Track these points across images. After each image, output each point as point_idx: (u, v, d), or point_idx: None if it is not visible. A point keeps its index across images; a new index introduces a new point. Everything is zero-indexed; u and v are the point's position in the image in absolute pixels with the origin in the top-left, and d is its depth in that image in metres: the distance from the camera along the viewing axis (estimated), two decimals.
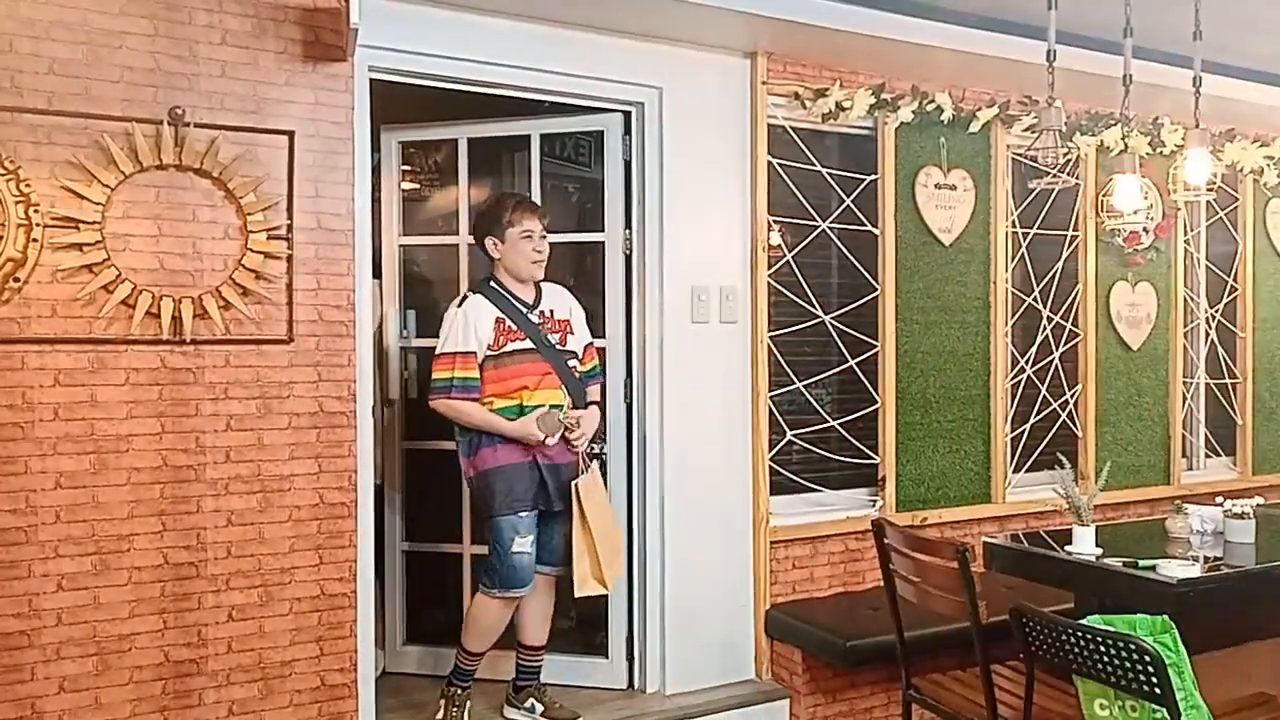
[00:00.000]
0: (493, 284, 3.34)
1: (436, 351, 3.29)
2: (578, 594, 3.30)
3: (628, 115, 3.69)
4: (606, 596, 3.72)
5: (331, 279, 3.09)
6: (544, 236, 3.36)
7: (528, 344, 3.27)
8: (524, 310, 3.31)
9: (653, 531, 3.69)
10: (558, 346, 3.34)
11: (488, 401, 3.26)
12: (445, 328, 3.28)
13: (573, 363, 3.38)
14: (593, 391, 3.47)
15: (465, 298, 3.32)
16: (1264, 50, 4.30)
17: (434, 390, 3.26)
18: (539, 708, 3.42)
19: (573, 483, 3.28)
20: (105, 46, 2.80)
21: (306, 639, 3.06)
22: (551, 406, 3.27)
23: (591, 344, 3.50)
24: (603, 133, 3.74)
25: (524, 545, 3.24)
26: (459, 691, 3.37)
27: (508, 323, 3.27)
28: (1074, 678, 2.38)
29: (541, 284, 3.41)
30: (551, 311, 3.37)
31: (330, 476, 3.09)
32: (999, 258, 4.29)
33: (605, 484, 3.60)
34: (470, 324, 3.24)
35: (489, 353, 3.25)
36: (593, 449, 3.53)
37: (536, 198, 3.82)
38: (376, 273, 3.75)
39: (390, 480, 3.93)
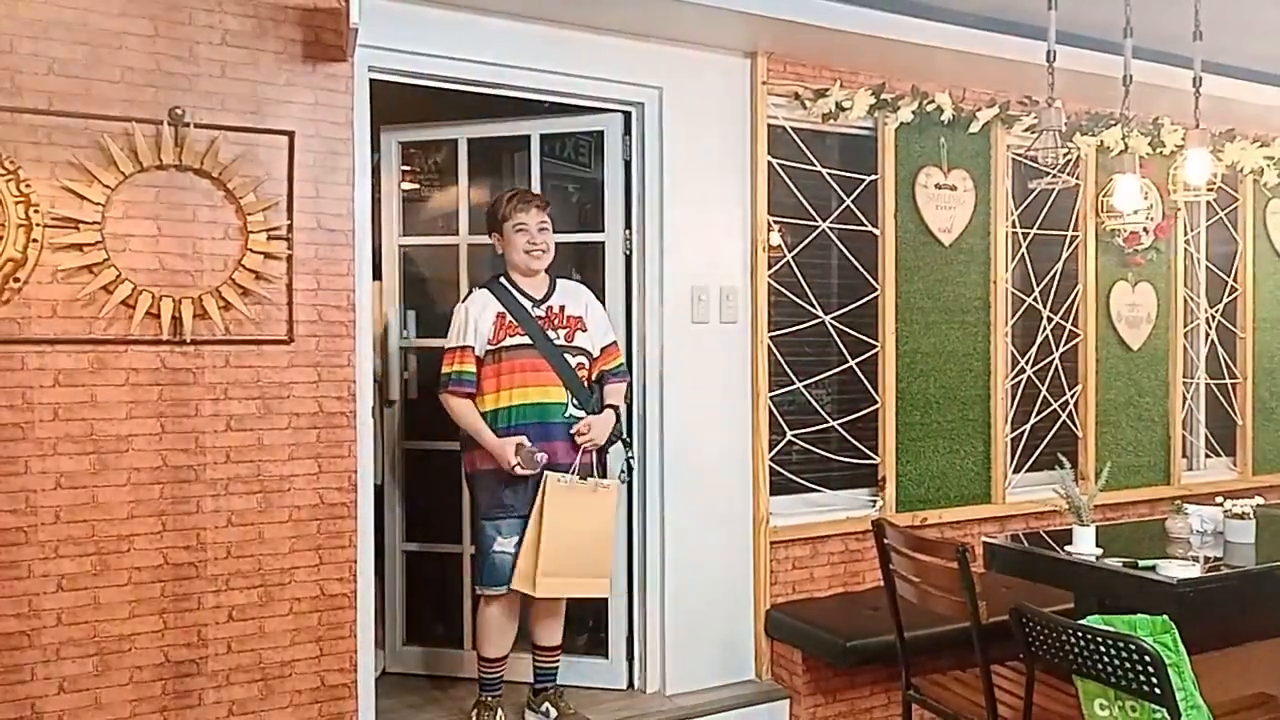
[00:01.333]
0: (501, 280, 3.35)
1: (445, 346, 3.32)
2: (510, 586, 3.22)
3: (628, 115, 3.69)
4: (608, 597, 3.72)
5: (331, 279, 3.09)
6: (543, 228, 3.33)
7: (525, 339, 3.25)
8: (527, 306, 3.30)
9: (653, 532, 3.69)
10: (561, 343, 3.30)
11: (484, 400, 3.25)
12: (451, 323, 3.33)
13: (579, 359, 3.33)
14: (611, 393, 3.41)
15: (470, 293, 3.36)
16: (1264, 51, 4.31)
17: (439, 385, 3.30)
18: (553, 712, 3.39)
19: (546, 474, 3.20)
20: (105, 46, 2.80)
21: (306, 639, 3.06)
22: (552, 405, 3.24)
23: (614, 343, 3.46)
24: (603, 133, 3.74)
25: (505, 545, 3.23)
26: (489, 699, 3.36)
27: (508, 317, 3.27)
28: (1074, 678, 2.38)
29: (558, 279, 3.41)
30: (561, 308, 3.34)
31: (330, 477, 3.09)
32: (999, 258, 4.29)
33: (629, 495, 3.63)
34: (471, 319, 3.26)
35: (489, 347, 3.26)
36: (626, 463, 3.45)
37: None
38: (377, 273, 3.75)
39: (390, 480, 3.93)
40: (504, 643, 3.35)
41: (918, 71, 4.02)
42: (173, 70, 2.87)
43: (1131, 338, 4.68)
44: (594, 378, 3.39)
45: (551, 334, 3.30)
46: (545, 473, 3.20)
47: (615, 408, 3.39)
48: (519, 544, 3.23)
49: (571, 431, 3.26)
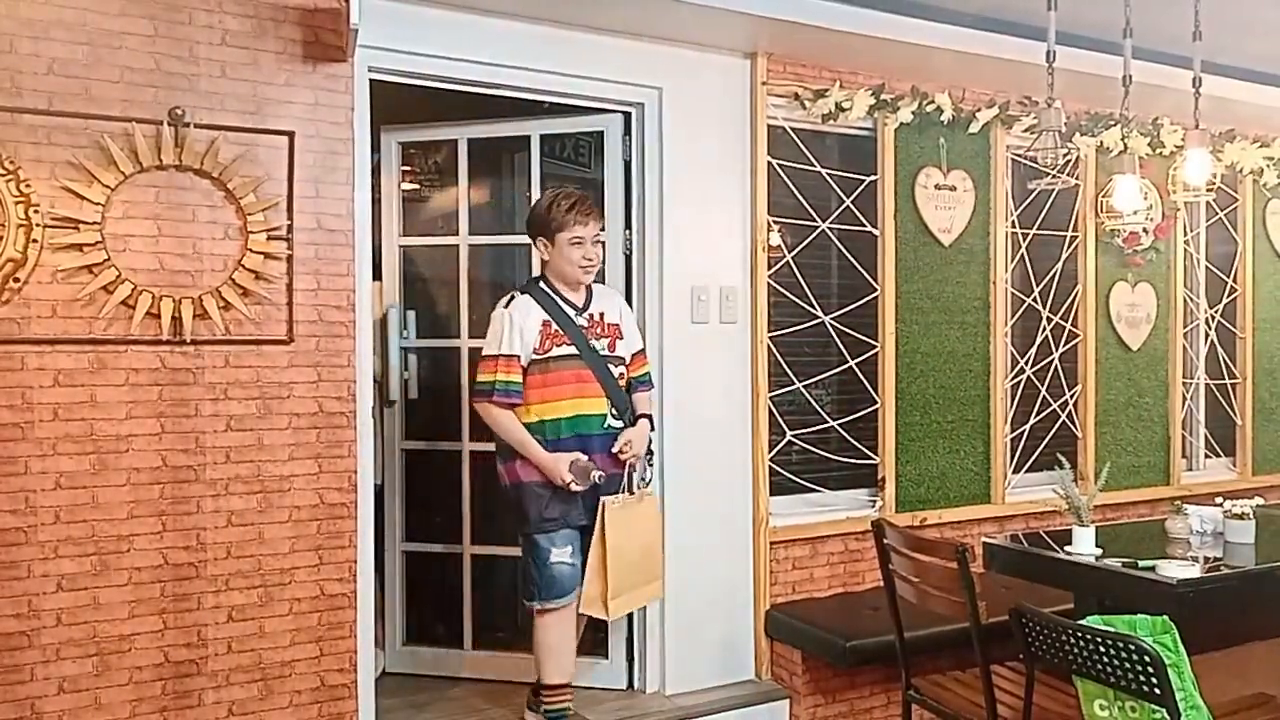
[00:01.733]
0: (541, 285, 3.22)
1: (482, 353, 3.19)
2: (580, 610, 3.18)
3: (628, 115, 3.69)
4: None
5: (331, 279, 3.08)
6: (598, 241, 3.22)
7: (572, 349, 3.14)
8: (571, 313, 3.18)
9: None
10: (604, 352, 3.20)
11: (528, 411, 3.13)
12: (491, 329, 3.18)
13: (619, 369, 3.24)
14: (642, 401, 3.31)
15: (512, 298, 3.19)
16: (1264, 51, 4.31)
17: (476, 393, 3.17)
18: None
19: (602, 499, 3.13)
20: (105, 46, 2.80)
21: (306, 639, 3.06)
22: (593, 416, 3.15)
23: (643, 350, 3.38)
24: (603, 133, 3.74)
25: (563, 555, 3.14)
26: None
27: (554, 326, 3.14)
28: (1074, 678, 2.38)
29: (592, 285, 3.30)
30: (601, 315, 3.24)
31: (330, 477, 3.09)
32: (999, 258, 4.29)
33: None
34: (515, 326, 3.12)
35: (534, 357, 3.13)
36: (646, 475, 3.33)
37: (537, 198, 3.81)
38: (377, 273, 3.75)
39: (390, 480, 3.93)
40: (568, 663, 3.23)
41: (917, 72, 4.02)
42: (173, 70, 2.87)
43: (1131, 338, 4.68)
44: (625, 385, 3.30)
45: (595, 343, 3.20)
46: (600, 498, 3.13)
47: (649, 416, 3.32)
48: (574, 553, 3.16)
49: (615, 449, 3.17)
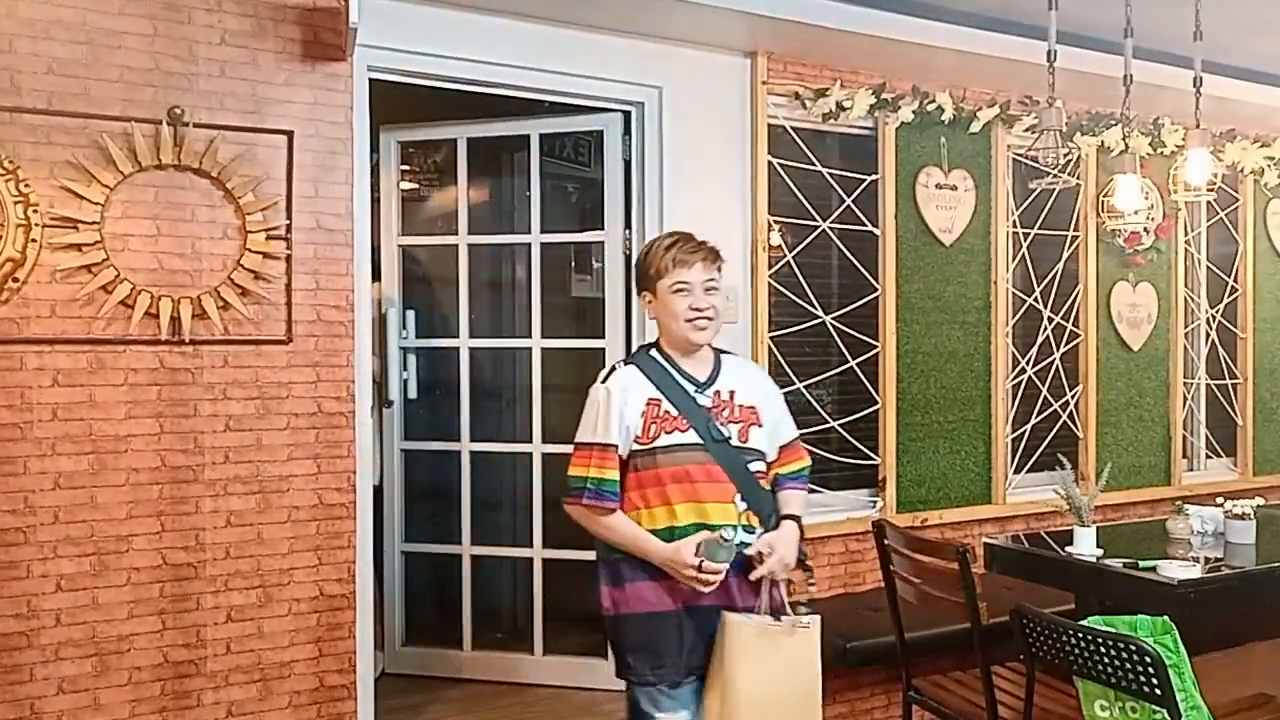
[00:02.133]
0: (652, 353, 2.48)
1: (575, 439, 2.45)
2: None
3: (627, 115, 3.69)
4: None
5: (330, 279, 3.08)
6: (711, 288, 2.43)
7: (690, 436, 2.37)
8: (690, 389, 2.43)
9: None
10: (734, 442, 2.42)
11: (633, 518, 2.39)
12: (586, 409, 2.44)
13: (756, 466, 2.45)
14: (791, 500, 2.52)
15: (613, 369, 2.47)
16: (1264, 51, 4.30)
17: (568, 490, 2.41)
18: None
19: (724, 613, 2.35)
20: (105, 46, 2.79)
21: (305, 640, 3.06)
22: (720, 528, 2.31)
23: (795, 441, 2.60)
24: (602, 132, 3.74)
25: None
26: None
27: (664, 405, 2.38)
28: (1074, 679, 2.38)
29: (724, 355, 2.54)
30: (731, 394, 2.45)
31: (329, 477, 3.08)
32: (999, 258, 4.28)
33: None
34: (615, 408, 2.37)
35: (636, 446, 2.38)
36: (808, 592, 2.51)
37: (536, 198, 3.81)
38: (376, 273, 3.75)
39: (389, 481, 3.93)
40: None
41: (918, 71, 4.01)
42: (172, 70, 2.87)
43: (1132, 338, 4.67)
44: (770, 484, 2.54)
45: (723, 429, 2.42)
46: (724, 614, 2.35)
47: (798, 519, 2.50)
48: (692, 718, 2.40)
49: (749, 553, 2.38)
